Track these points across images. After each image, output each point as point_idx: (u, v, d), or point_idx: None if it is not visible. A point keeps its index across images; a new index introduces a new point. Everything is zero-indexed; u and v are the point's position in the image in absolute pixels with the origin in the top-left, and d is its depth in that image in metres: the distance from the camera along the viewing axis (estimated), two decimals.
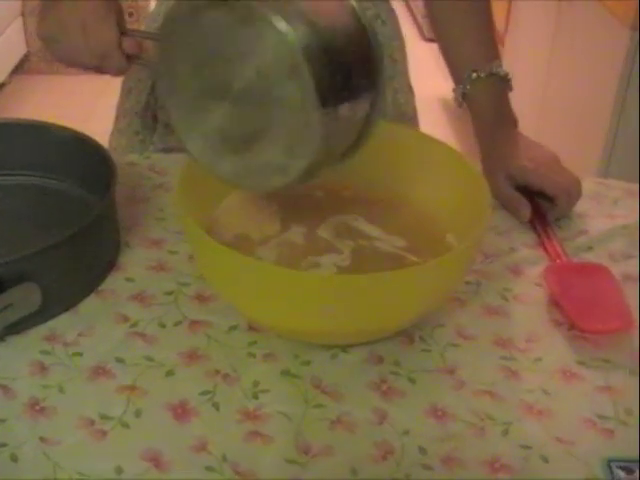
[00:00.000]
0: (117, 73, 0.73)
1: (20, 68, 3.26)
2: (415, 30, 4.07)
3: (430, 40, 3.95)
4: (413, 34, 3.98)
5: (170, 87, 0.61)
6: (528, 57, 2.58)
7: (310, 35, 0.54)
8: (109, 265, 0.74)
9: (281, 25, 0.53)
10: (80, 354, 0.65)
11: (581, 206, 0.88)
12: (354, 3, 0.59)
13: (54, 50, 0.73)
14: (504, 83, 0.89)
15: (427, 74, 3.52)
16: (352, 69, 0.58)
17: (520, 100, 2.81)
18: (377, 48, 0.59)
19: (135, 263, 0.74)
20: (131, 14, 3.20)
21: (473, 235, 0.61)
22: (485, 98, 0.89)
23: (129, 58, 0.71)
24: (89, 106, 2.99)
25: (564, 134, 2.25)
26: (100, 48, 0.70)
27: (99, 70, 0.72)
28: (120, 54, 0.70)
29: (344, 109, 0.58)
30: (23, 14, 3.24)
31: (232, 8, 0.55)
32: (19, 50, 3.25)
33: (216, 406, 0.60)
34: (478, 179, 0.69)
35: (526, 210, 0.82)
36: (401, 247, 0.70)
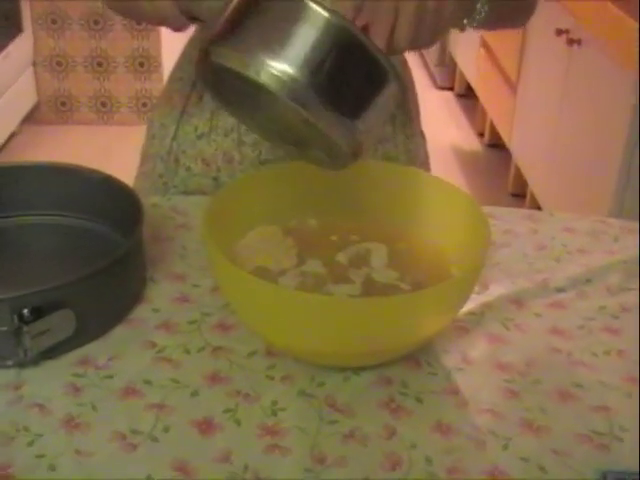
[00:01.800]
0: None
1: (30, 117, 3.40)
2: (428, 79, 4.21)
3: (442, 89, 4.09)
4: (426, 83, 4.13)
5: (219, 90, 0.73)
6: (540, 103, 2.69)
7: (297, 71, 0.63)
8: (136, 297, 0.83)
9: (264, 77, 0.63)
10: (111, 377, 0.73)
11: (581, 243, 0.97)
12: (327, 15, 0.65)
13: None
14: None
15: (439, 122, 3.66)
16: (354, 79, 0.66)
17: (532, 144, 2.91)
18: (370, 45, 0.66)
19: (161, 295, 0.84)
20: None
21: (469, 267, 0.71)
22: None
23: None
24: (98, 156, 3.12)
25: (576, 177, 2.34)
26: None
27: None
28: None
29: (364, 114, 0.67)
30: (34, 64, 3.40)
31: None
32: (30, 100, 3.40)
33: (238, 422, 0.69)
34: (482, 218, 0.78)
35: None
36: (406, 280, 0.80)
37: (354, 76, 0.66)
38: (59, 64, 3.42)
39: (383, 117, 0.71)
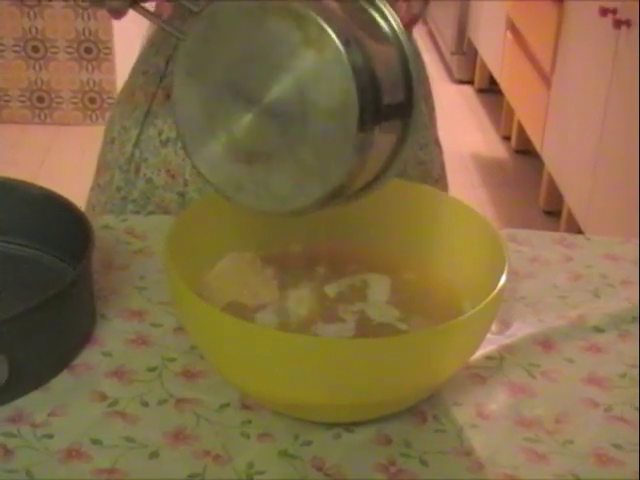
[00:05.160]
0: (117, 15, 0.84)
1: None
2: (442, 70, 4.25)
3: (460, 82, 4.13)
4: (440, 75, 4.17)
5: (190, 67, 0.74)
6: (579, 100, 2.73)
7: (357, 53, 0.68)
8: (83, 338, 0.85)
9: (337, 42, 0.67)
10: (51, 436, 0.75)
11: (625, 273, 1.00)
12: (396, 27, 0.73)
13: None
14: None
15: (456, 123, 3.70)
16: (389, 93, 0.72)
17: (570, 150, 2.91)
18: (415, 71, 0.73)
19: (113, 336, 0.86)
20: None
21: (483, 301, 0.74)
22: None
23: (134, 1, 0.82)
24: (34, 163, 3.15)
25: (624, 192, 2.37)
26: None
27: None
28: None
29: (378, 136, 0.71)
30: None
31: (289, 15, 0.68)
32: None
33: None
34: (500, 243, 0.82)
35: None
36: (409, 319, 0.83)
37: (388, 84, 0.72)
38: None
39: (386, 145, 0.75)
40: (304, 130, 0.70)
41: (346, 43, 0.68)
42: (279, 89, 0.70)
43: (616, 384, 0.85)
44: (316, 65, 0.68)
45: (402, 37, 0.73)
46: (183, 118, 0.76)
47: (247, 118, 0.72)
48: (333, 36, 0.67)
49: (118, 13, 0.84)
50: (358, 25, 0.72)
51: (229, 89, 0.72)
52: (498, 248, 0.81)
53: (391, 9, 0.73)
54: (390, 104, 0.72)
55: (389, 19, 0.73)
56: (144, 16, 0.83)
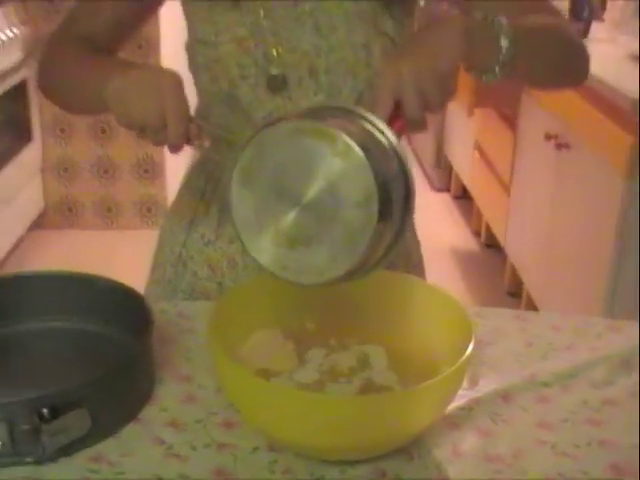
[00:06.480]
0: (174, 142, 0.89)
1: (37, 223, 3.50)
2: (425, 181, 4.33)
3: (439, 190, 4.20)
4: (423, 185, 4.24)
5: (244, 180, 0.79)
6: (532, 204, 2.79)
7: (374, 161, 0.73)
8: (146, 397, 0.88)
9: (360, 153, 0.73)
10: (123, 473, 0.78)
11: (567, 340, 1.03)
12: (394, 142, 0.78)
13: (122, 111, 0.90)
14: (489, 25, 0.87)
15: (438, 223, 3.75)
16: (395, 192, 0.77)
17: (526, 244, 2.96)
18: (411, 177, 0.79)
19: (169, 396, 0.89)
20: (140, 46, 3.38)
21: (455, 366, 0.78)
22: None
23: (188, 140, 0.88)
24: (104, 259, 3.20)
25: (570, 277, 2.40)
26: (171, 114, 0.86)
27: (156, 137, 0.89)
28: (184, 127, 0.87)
29: (386, 227, 0.76)
30: (42, 170, 3.52)
31: (320, 134, 0.74)
32: (37, 205, 3.51)
33: None
34: (467, 320, 0.86)
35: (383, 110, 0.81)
36: (403, 382, 0.87)
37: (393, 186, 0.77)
38: (66, 170, 3.55)
39: (390, 234, 0.79)
40: (336, 219, 0.75)
41: (366, 154, 0.73)
42: (315, 189, 0.75)
43: (560, 427, 0.87)
44: (344, 170, 0.74)
45: (398, 148, 0.78)
46: (239, 218, 0.80)
47: (290, 214, 0.77)
48: (357, 149, 0.73)
49: (176, 149, 0.89)
50: (370, 140, 0.77)
51: (274, 193, 0.77)
52: (466, 323, 0.85)
53: (385, 125, 0.79)
54: (396, 200, 0.77)
55: (386, 134, 0.79)
56: (197, 150, 0.89)
